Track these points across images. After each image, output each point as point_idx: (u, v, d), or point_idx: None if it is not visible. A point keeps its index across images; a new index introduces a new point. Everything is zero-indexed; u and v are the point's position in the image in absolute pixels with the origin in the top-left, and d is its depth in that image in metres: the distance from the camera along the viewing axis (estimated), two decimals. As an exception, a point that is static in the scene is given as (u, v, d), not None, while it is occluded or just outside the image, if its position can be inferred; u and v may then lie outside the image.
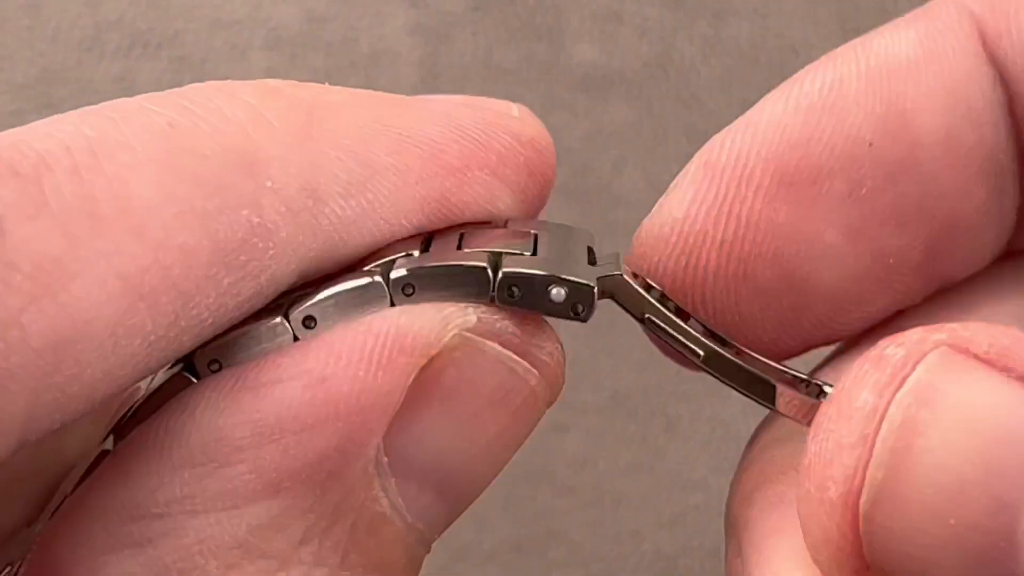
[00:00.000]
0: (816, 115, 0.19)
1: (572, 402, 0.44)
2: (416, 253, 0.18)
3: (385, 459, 0.17)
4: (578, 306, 0.18)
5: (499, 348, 0.18)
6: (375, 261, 0.18)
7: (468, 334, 0.17)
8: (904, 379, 0.16)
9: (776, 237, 0.20)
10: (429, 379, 0.17)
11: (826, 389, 0.20)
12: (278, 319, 0.17)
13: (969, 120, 0.19)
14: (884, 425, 0.16)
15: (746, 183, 0.19)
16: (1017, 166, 0.20)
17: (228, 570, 0.16)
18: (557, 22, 0.45)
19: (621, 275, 0.19)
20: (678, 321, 0.20)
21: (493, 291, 0.18)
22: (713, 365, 0.19)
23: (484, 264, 0.18)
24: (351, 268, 0.18)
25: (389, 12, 0.45)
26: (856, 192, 0.19)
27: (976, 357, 0.16)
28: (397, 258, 0.18)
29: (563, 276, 0.18)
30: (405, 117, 0.19)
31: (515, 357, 0.18)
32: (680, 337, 0.20)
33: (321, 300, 0.17)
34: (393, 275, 0.17)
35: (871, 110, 0.19)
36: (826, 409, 0.17)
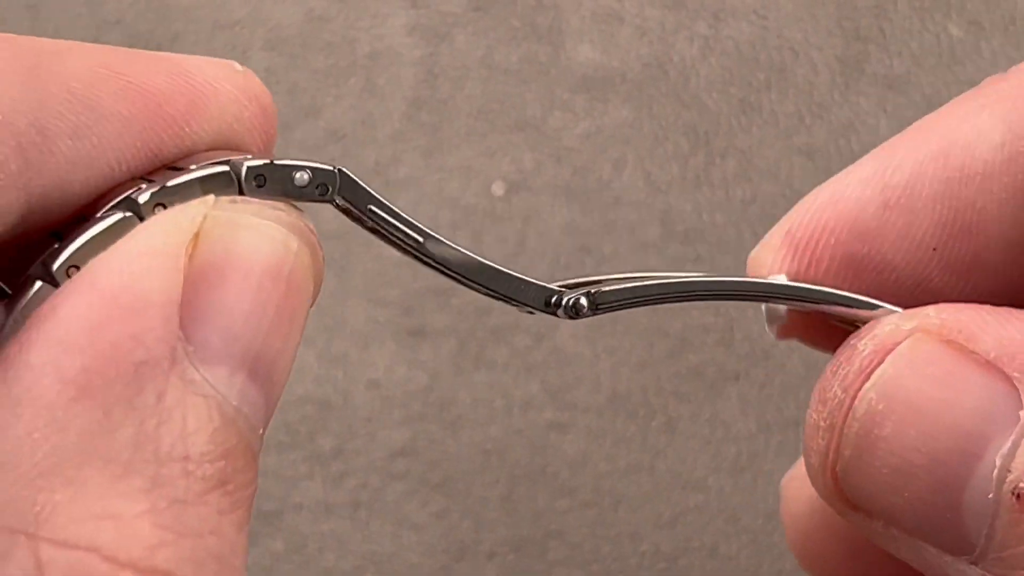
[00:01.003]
0: (889, 213, 0.21)
1: (571, 402, 0.44)
2: (154, 182, 0.19)
3: (190, 348, 0.17)
4: (324, 187, 0.19)
5: (253, 217, 0.18)
6: (105, 205, 0.18)
7: (219, 212, 0.18)
8: (870, 373, 0.19)
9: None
10: (200, 264, 0.17)
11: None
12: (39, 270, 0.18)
13: None
14: (851, 414, 0.19)
15: (816, 263, 0.21)
16: None
17: (70, 486, 0.16)
18: (557, 22, 0.45)
19: (342, 169, 0.20)
20: (398, 210, 0.21)
21: (241, 186, 0.18)
22: (433, 252, 0.21)
23: (226, 168, 0.19)
24: (81, 212, 0.18)
25: (389, 12, 0.45)
26: (923, 284, 0.21)
27: (945, 341, 0.19)
28: (139, 187, 0.18)
29: (305, 162, 0.19)
30: (133, 66, 0.19)
31: (270, 223, 0.18)
32: (401, 225, 0.21)
33: (79, 247, 0.18)
34: (141, 199, 0.18)
35: (939, 218, 0.20)
36: (815, 388, 0.20)
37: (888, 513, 0.19)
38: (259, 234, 0.18)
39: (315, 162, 0.19)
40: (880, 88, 0.44)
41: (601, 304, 0.22)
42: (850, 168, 0.21)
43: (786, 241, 0.21)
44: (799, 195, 0.45)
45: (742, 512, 0.45)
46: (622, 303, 0.22)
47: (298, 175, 0.19)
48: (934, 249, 0.20)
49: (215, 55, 0.48)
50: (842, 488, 0.19)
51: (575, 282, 0.23)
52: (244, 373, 0.17)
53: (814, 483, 0.20)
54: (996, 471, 0.18)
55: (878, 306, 0.20)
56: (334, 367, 0.44)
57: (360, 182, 0.20)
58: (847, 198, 0.21)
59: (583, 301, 0.22)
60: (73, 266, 0.18)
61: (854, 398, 0.19)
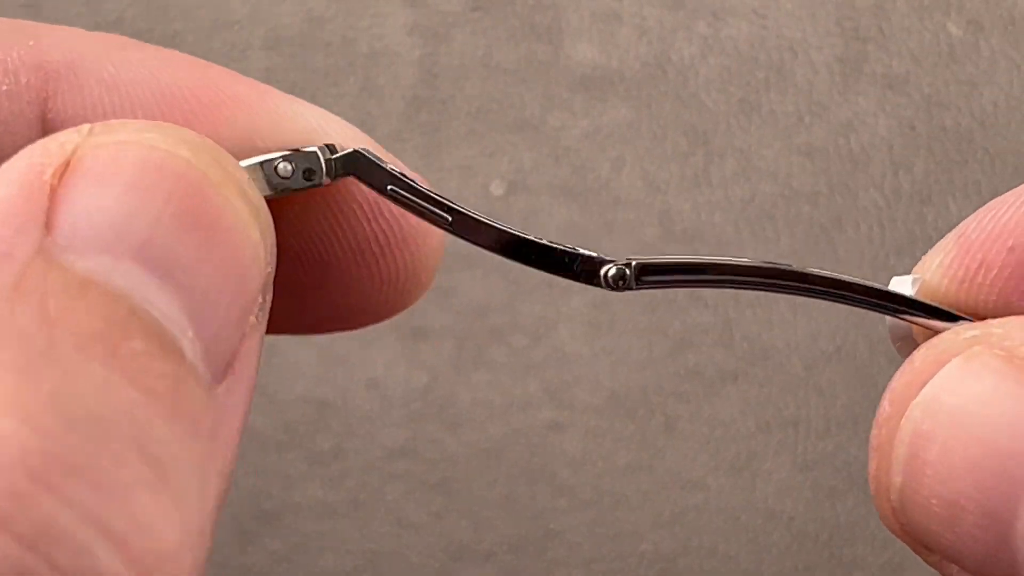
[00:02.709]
0: None
1: (570, 402, 0.44)
2: None
3: (60, 241, 0.16)
4: (309, 172, 0.19)
5: (128, 133, 0.17)
6: None
7: (94, 137, 0.17)
8: (921, 386, 0.17)
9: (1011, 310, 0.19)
10: (70, 170, 0.16)
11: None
12: None
13: None
14: (898, 434, 0.17)
15: (987, 267, 0.19)
16: None
17: None
18: (556, 22, 0.45)
19: (358, 150, 0.20)
20: (422, 188, 0.20)
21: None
22: (463, 227, 0.20)
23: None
24: None
25: (388, 12, 0.45)
26: None
27: (1003, 357, 0.16)
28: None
29: (285, 151, 0.19)
30: (190, 68, 0.19)
31: (152, 136, 0.17)
32: (426, 204, 0.20)
33: None
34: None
35: None
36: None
37: (946, 551, 0.17)
38: (133, 144, 0.17)
39: (298, 148, 0.19)
40: (879, 88, 0.44)
41: (645, 276, 0.20)
42: None
43: (958, 242, 0.19)
44: (798, 195, 0.45)
45: (742, 512, 0.45)
46: (668, 278, 0.21)
47: (280, 166, 0.19)
48: None
49: (215, 55, 0.48)
50: (898, 517, 0.17)
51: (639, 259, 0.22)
52: (133, 262, 0.16)
53: (881, 517, 0.18)
54: None
55: (959, 318, 0.18)
56: (334, 367, 0.44)
57: (377, 161, 0.20)
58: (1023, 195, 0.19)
59: (627, 272, 0.20)
60: None
61: (902, 415, 0.17)
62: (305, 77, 0.44)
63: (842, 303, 0.20)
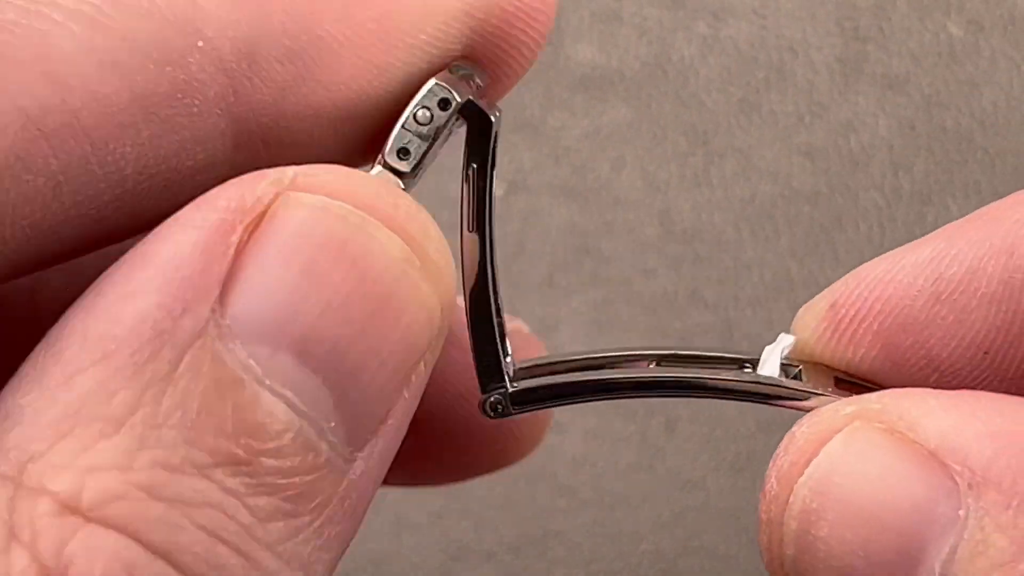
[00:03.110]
0: (940, 307, 0.19)
1: (571, 402, 0.44)
2: None
3: (225, 321, 0.16)
4: (444, 102, 0.19)
5: (323, 197, 0.17)
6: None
7: (286, 190, 0.17)
8: (807, 463, 0.17)
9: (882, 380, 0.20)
10: (255, 238, 0.16)
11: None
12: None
13: None
14: (787, 511, 0.17)
15: (856, 345, 0.19)
16: None
17: (60, 439, 0.15)
18: (556, 22, 0.45)
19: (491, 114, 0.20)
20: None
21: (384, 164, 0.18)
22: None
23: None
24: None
25: (388, 12, 0.45)
26: (968, 383, 0.19)
27: (884, 431, 0.17)
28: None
29: (416, 98, 0.19)
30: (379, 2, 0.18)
31: (345, 205, 0.17)
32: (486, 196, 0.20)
33: None
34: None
35: (996, 320, 0.19)
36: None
37: None
38: (323, 211, 0.17)
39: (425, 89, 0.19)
40: (879, 88, 0.44)
41: (520, 404, 0.21)
42: (906, 248, 0.20)
43: (830, 314, 0.20)
44: (798, 195, 0.45)
45: (741, 512, 0.45)
46: (545, 403, 0.21)
47: (420, 113, 0.19)
48: (985, 352, 0.19)
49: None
50: None
51: (528, 364, 0.22)
52: (289, 354, 0.16)
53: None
54: None
55: (818, 395, 0.19)
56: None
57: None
58: (898, 282, 0.19)
59: (502, 401, 0.21)
60: None
61: (789, 492, 0.17)
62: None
63: (730, 399, 0.21)
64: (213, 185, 0.17)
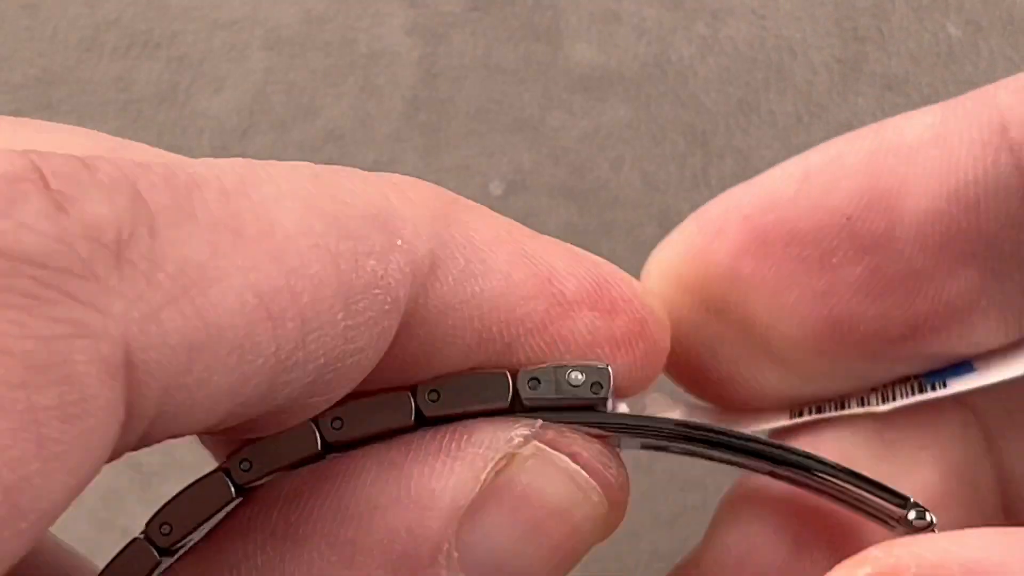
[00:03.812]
0: (804, 184, 0.20)
1: (570, 402, 0.44)
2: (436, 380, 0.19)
3: (456, 553, 0.17)
4: (596, 386, 0.19)
5: (568, 461, 0.19)
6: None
7: (541, 444, 0.18)
8: None
9: (739, 290, 0.21)
10: (501, 483, 0.18)
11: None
12: (406, 397, 0.19)
13: (963, 206, 0.19)
14: None
15: (719, 236, 0.20)
16: None
17: None
18: (556, 22, 0.45)
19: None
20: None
21: (513, 391, 0.19)
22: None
23: (505, 372, 0.19)
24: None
25: (388, 12, 0.45)
26: (826, 260, 0.20)
27: None
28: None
29: (578, 362, 0.19)
30: (536, 240, 0.20)
31: (582, 472, 0.19)
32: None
33: (347, 406, 0.19)
34: (419, 387, 0.19)
35: (857, 186, 0.20)
36: None
37: None
38: (566, 477, 0.18)
39: (588, 361, 0.20)
40: (879, 88, 0.44)
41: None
42: (788, 163, 0.21)
43: (694, 218, 0.21)
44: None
45: (740, 512, 0.45)
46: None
47: (572, 374, 0.19)
48: (848, 218, 0.19)
49: (214, 54, 0.48)
50: None
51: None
52: None
53: None
54: None
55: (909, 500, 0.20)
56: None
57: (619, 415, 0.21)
58: (766, 176, 0.21)
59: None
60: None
61: None
62: (304, 77, 0.44)
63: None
64: (357, 384, 0.18)
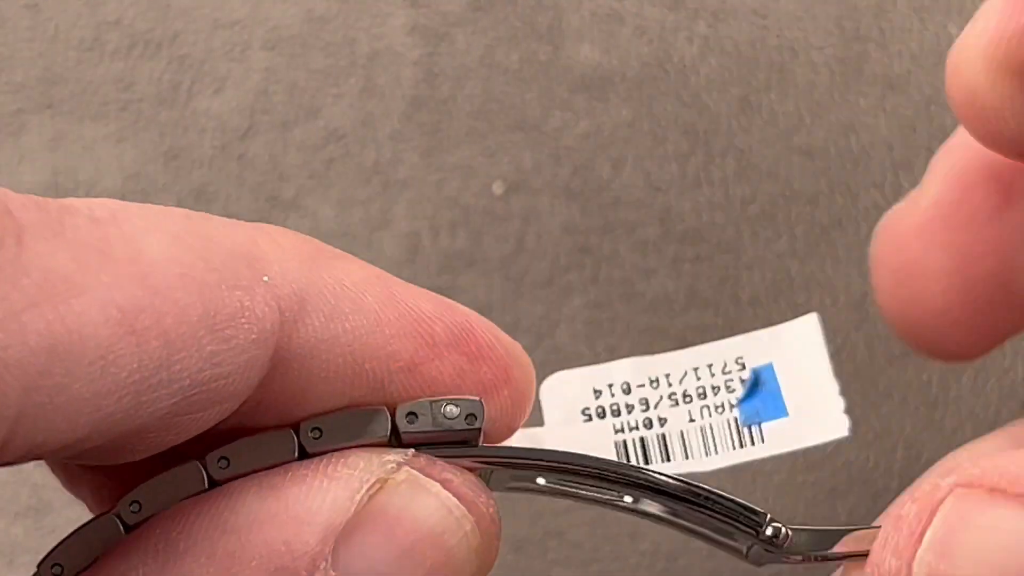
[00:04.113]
0: None
1: (571, 402, 0.44)
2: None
3: (332, 573, 0.18)
4: (471, 417, 0.20)
5: (439, 487, 0.19)
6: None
7: (414, 471, 0.19)
8: (922, 534, 0.18)
9: None
10: (375, 505, 0.19)
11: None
12: (289, 434, 0.19)
13: None
14: None
15: None
16: None
17: None
18: (557, 22, 0.45)
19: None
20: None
21: (394, 422, 0.20)
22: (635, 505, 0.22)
23: (384, 407, 0.20)
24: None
25: (388, 12, 0.45)
26: None
27: (989, 490, 0.18)
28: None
29: (452, 396, 0.20)
30: (403, 286, 0.20)
31: (452, 498, 0.19)
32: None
33: (231, 445, 0.19)
34: (302, 424, 0.19)
35: None
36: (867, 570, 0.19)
37: None
38: (437, 502, 0.19)
39: (462, 395, 0.20)
40: (880, 88, 0.44)
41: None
42: None
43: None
44: (799, 195, 0.45)
45: (742, 512, 0.45)
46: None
47: (448, 408, 0.20)
48: None
49: (214, 54, 0.48)
50: None
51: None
52: None
53: None
54: None
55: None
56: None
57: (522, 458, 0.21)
58: None
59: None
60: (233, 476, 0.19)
61: (911, 562, 0.19)
62: (305, 77, 0.44)
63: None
64: (229, 414, 0.19)
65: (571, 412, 0.24)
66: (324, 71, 0.44)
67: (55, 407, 0.16)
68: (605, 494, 0.21)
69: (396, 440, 0.20)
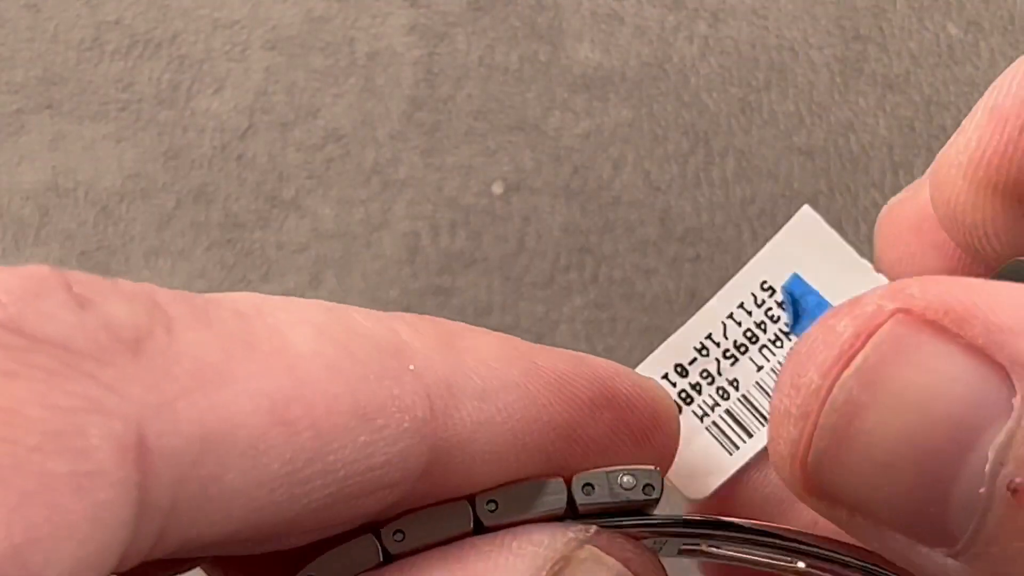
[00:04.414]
0: None
1: (571, 402, 0.44)
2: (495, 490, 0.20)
3: None
4: (649, 487, 0.20)
5: (620, 566, 0.19)
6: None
7: (596, 549, 0.19)
8: (851, 358, 0.17)
9: None
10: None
11: None
12: (465, 507, 0.19)
13: None
14: (828, 403, 0.17)
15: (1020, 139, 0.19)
16: None
17: None
18: (557, 22, 0.45)
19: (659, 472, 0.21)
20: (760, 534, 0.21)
21: (571, 493, 0.20)
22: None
23: (560, 478, 0.20)
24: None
25: (388, 12, 0.45)
26: None
27: (930, 325, 0.17)
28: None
29: (628, 466, 0.20)
30: (537, 351, 0.20)
31: (626, 571, 0.19)
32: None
33: (406, 517, 0.19)
34: (478, 497, 0.19)
35: None
36: (785, 367, 0.18)
37: (862, 505, 0.18)
38: (610, 571, 0.19)
39: (638, 464, 0.20)
40: (879, 88, 0.44)
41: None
42: None
43: (991, 116, 0.20)
44: (799, 195, 0.45)
45: (741, 512, 0.45)
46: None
47: (624, 478, 0.20)
48: None
49: (215, 54, 0.48)
50: (810, 479, 0.18)
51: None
52: None
53: (778, 471, 0.19)
54: (989, 465, 0.16)
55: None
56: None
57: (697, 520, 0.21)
58: None
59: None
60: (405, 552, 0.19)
61: (831, 386, 0.18)
62: (305, 77, 0.44)
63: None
64: (393, 504, 0.19)
65: None
66: (324, 71, 0.44)
67: (208, 499, 0.16)
68: (778, 559, 0.21)
69: (572, 512, 0.20)
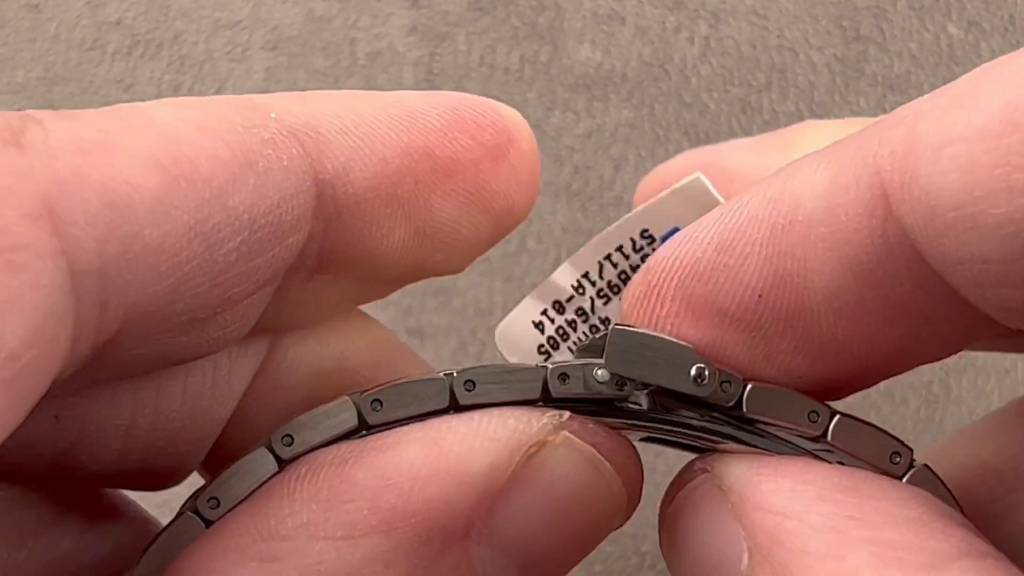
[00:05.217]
0: (722, 256, 0.20)
1: (572, 402, 0.44)
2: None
3: (486, 529, 0.19)
4: (622, 381, 0.20)
5: (593, 451, 0.20)
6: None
7: (570, 434, 0.20)
8: (667, 506, 0.22)
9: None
10: (532, 467, 0.19)
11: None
12: (443, 383, 0.20)
13: (862, 278, 0.19)
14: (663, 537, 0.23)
15: (659, 303, 0.21)
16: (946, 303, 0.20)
17: None
18: (557, 22, 0.45)
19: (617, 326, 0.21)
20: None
21: (546, 384, 0.20)
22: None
23: (537, 366, 0.20)
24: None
25: (389, 12, 0.45)
26: (756, 331, 0.20)
27: (720, 491, 0.21)
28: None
29: (602, 361, 0.20)
30: (387, 94, 0.21)
31: (605, 462, 0.20)
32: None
33: (385, 388, 0.20)
34: (456, 375, 0.20)
35: (763, 266, 0.20)
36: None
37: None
38: (592, 467, 0.20)
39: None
40: (880, 88, 0.44)
41: None
42: (710, 212, 0.21)
43: (644, 278, 0.21)
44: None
45: (742, 512, 0.45)
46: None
47: (598, 372, 0.20)
48: (759, 296, 0.20)
49: (215, 55, 0.48)
50: None
51: None
52: (516, 570, 0.19)
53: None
54: None
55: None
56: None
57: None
58: (692, 239, 0.21)
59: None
60: (377, 400, 0.20)
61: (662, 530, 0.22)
62: (306, 77, 0.44)
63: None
64: (300, 251, 0.20)
65: (528, 353, 0.24)
66: (325, 71, 0.44)
67: (134, 256, 0.17)
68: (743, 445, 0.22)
69: (546, 398, 0.20)
